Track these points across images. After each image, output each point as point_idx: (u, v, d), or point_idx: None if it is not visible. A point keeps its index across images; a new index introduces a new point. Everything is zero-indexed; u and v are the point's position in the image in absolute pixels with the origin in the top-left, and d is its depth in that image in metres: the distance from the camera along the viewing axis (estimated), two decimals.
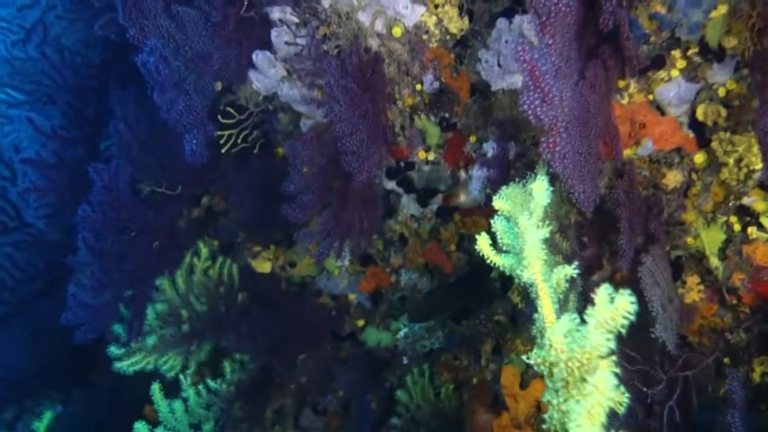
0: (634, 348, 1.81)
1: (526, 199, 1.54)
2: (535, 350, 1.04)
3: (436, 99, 2.00)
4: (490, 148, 1.91)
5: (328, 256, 2.02)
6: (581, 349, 0.92)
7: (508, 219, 1.42)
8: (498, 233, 1.29)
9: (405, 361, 2.27)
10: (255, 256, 2.92)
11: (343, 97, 1.89)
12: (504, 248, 1.29)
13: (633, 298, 0.86)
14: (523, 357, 1.05)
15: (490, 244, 1.23)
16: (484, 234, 1.24)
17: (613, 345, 0.89)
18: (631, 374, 1.80)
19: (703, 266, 1.87)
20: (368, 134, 1.89)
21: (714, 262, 1.82)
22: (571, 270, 1.07)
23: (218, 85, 2.08)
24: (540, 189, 1.16)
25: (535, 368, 1.05)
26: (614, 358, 0.90)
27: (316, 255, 1.99)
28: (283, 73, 2.16)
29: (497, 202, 1.41)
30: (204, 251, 2.48)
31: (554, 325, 0.97)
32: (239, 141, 2.26)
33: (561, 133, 1.28)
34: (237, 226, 2.84)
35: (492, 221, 1.31)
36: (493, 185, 1.80)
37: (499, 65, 1.82)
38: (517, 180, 1.60)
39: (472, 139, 2.03)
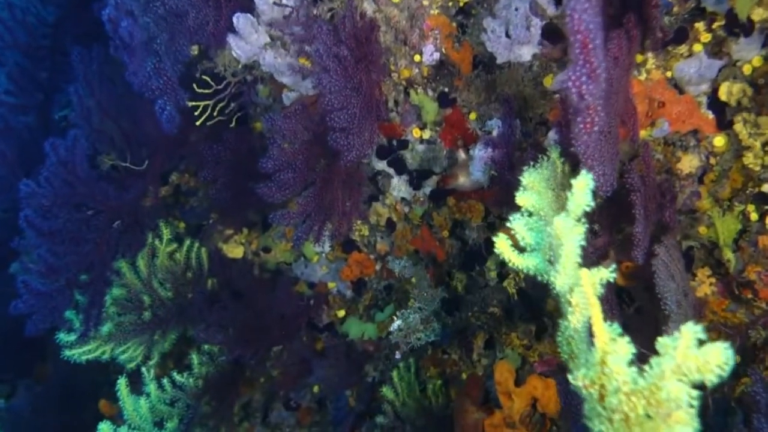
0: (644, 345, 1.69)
1: (552, 189, 1.39)
2: (580, 370, 0.90)
3: (435, 72, 1.83)
4: (494, 126, 1.75)
5: (306, 241, 1.83)
6: (651, 390, 0.79)
7: (530, 213, 1.29)
8: (518, 231, 1.16)
9: (398, 355, 2.10)
10: (226, 240, 2.72)
11: (335, 67, 1.71)
12: (526, 247, 1.16)
13: (729, 352, 0.73)
14: (569, 378, 0.92)
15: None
16: (502, 235, 1.12)
17: (693, 397, 0.76)
18: None
19: (714, 258, 1.76)
20: (360, 109, 1.72)
21: (727, 254, 1.71)
22: (607, 273, 0.94)
23: (194, 49, 1.87)
24: (583, 187, 1.02)
25: (576, 387, 0.91)
26: (694, 407, 0.77)
27: (293, 239, 1.81)
28: (266, 39, 1.96)
29: (521, 198, 1.27)
30: (166, 233, 2.26)
31: (615, 353, 0.84)
32: (215, 113, 2.05)
33: (599, 113, 1.13)
34: (207, 206, 2.63)
35: (511, 219, 1.18)
36: (499, 166, 1.65)
37: (508, 35, 1.66)
38: (529, 163, 1.45)
39: (472, 116, 1.87)
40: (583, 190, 1.02)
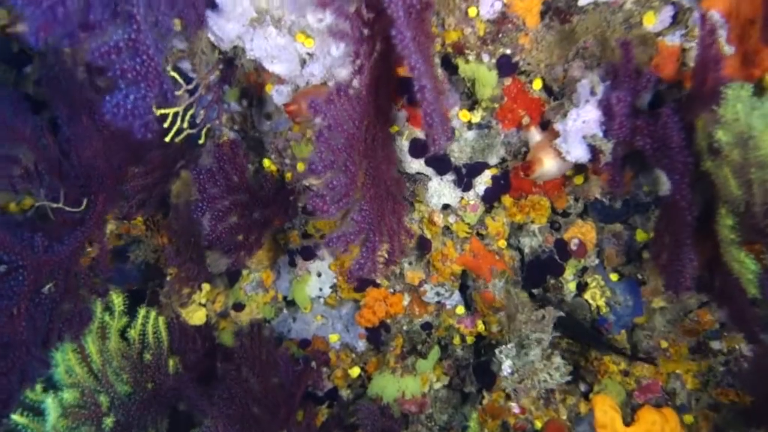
0: None
1: None
2: None
3: (495, 29, 1.40)
4: (584, 89, 1.35)
5: (373, 269, 1.31)
6: None
7: None
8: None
9: (516, 409, 1.59)
10: (183, 302, 2.08)
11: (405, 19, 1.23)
12: None
13: None
14: None
15: None
16: None
17: None
18: None
19: None
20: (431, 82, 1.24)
21: None
22: None
23: (177, 24, 1.31)
24: None
25: None
26: None
27: (354, 269, 1.27)
28: (252, 13, 1.44)
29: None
30: (118, 302, 1.62)
31: None
32: (184, 125, 1.48)
33: None
34: (157, 259, 2.00)
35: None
36: (620, 134, 1.23)
37: None
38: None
39: (537, 84, 1.47)
40: None
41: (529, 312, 1.41)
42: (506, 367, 1.40)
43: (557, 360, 1.39)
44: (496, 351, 1.43)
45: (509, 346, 1.42)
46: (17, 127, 1.30)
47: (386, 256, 1.38)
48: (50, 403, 1.49)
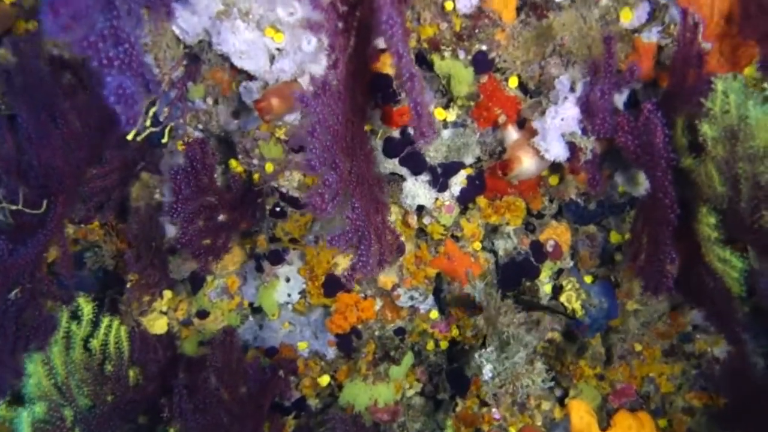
0: None
1: None
2: None
3: (470, 24, 1.37)
4: (561, 86, 1.33)
5: (376, 267, 1.25)
6: None
7: None
8: None
9: (496, 414, 1.54)
10: (144, 311, 1.98)
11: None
12: None
13: None
14: None
15: None
16: None
17: None
18: None
19: None
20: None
21: None
22: None
23: (144, 14, 1.23)
24: None
25: None
26: None
27: (358, 267, 1.21)
28: (218, 6, 1.38)
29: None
30: (87, 310, 1.52)
31: None
32: (147, 123, 1.40)
33: None
34: (115, 265, 1.90)
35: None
36: (600, 131, 1.21)
37: None
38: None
39: (513, 82, 1.44)
40: None
41: (512, 314, 1.37)
42: (487, 371, 1.36)
43: (539, 365, 1.36)
44: (476, 355, 1.39)
45: (489, 349, 1.38)
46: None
47: (378, 256, 1.32)
48: (24, 417, 1.40)
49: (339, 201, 1.14)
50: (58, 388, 1.46)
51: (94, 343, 1.61)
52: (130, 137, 1.34)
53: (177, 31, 1.40)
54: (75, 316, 1.55)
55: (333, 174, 1.11)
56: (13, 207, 1.32)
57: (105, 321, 1.64)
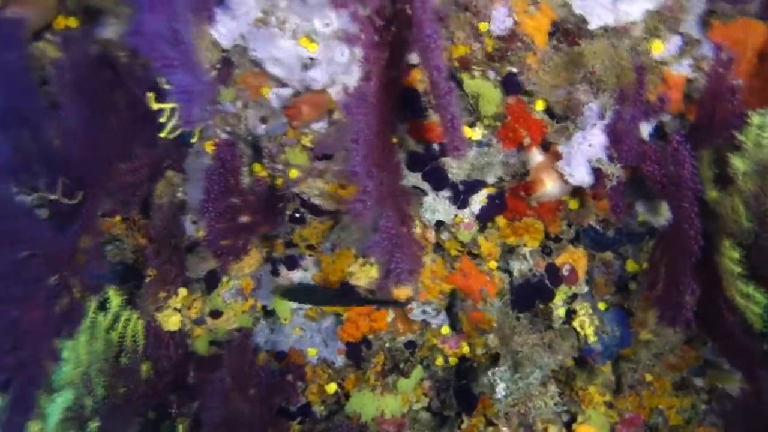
0: None
1: None
2: None
3: (503, 46, 1.39)
4: (591, 112, 1.34)
5: (410, 276, 1.27)
6: None
7: None
8: None
9: None
10: (159, 306, 2.00)
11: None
12: None
13: None
14: None
15: None
16: None
17: None
18: None
19: None
20: None
21: None
22: None
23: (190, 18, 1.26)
24: None
25: None
26: None
27: (393, 274, 1.23)
28: (257, 13, 1.41)
29: None
30: (116, 301, 1.55)
31: None
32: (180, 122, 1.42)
33: None
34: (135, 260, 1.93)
35: None
36: (626, 160, 1.22)
37: None
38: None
39: (539, 105, 1.45)
40: None
41: (527, 334, 1.37)
42: (500, 389, 1.36)
43: (552, 388, 1.36)
44: (489, 372, 1.40)
45: (503, 368, 1.38)
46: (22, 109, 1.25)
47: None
48: (59, 403, 1.42)
49: (377, 209, 1.16)
50: (82, 377, 1.48)
51: (114, 335, 1.63)
52: (163, 135, 1.36)
53: (215, 35, 1.43)
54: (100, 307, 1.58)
55: (371, 182, 1.13)
56: (52, 197, 1.34)
57: (125, 314, 1.66)
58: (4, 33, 1.18)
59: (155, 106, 1.32)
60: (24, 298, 1.25)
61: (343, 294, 1.71)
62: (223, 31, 1.41)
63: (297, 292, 1.82)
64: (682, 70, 1.33)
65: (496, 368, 1.40)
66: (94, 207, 1.39)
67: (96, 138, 1.31)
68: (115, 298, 1.55)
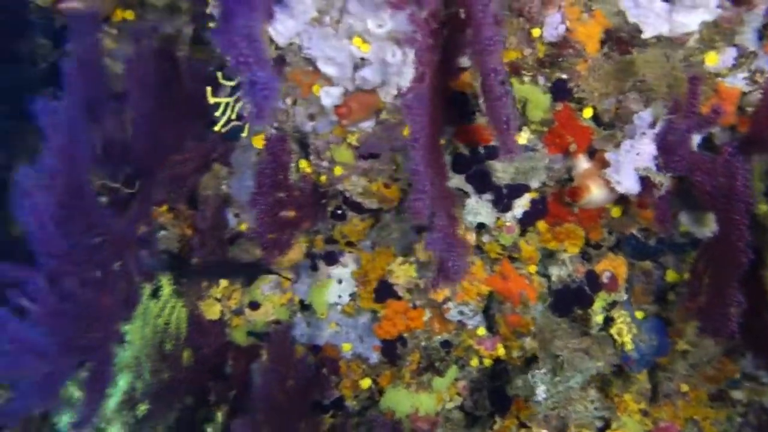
0: None
1: None
2: None
3: (555, 53, 1.40)
4: (641, 121, 1.35)
5: (462, 272, 1.28)
6: None
7: None
8: None
9: None
10: (201, 296, 2.05)
11: None
12: None
13: None
14: None
15: None
16: None
17: None
18: None
19: None
20: None
21: None
22: None
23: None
24: None
25: None
26: None
27: (451, 272, 1.25)
28: (313, 13, 1.44)
29: None
30: (167, 289, 1.61)
31: None
32: (233, 116, 1.47)
33: None
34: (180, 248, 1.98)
35: None
36: (674, 169, 1.22)
37: None
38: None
39: (587, 112, 1.46)
40: None
41: (567, 338, 1.38)
42: (541, 391, 1.38)
43: (593, 392, 1.37)
44: (529, 374, 1.41)
45: (543, 371, 1.39)
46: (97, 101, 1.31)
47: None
48: (122, 385, 1.48)
49: (431, 207, 1.18)
50: (134, 361, 1.54)
51: (160, 321, 1.69)
52: (217, 128, 1.40)
53: (272, 33, 1.46)
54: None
55: (426, 182, 1.15)
56: (114, 185, 1.40)
57: (171, 302, 1.71)
58: (80, 28, 1.22)
59: (212, 100, 1.36)
60: (98, 282, 1.30)
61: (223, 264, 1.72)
62: (281, 29, 1.44)
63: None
64: (736, 82, 1.32)
65: (536, 370, 1.41)
66: (149, 196, 1.44)
67: (156, 130, 1.36)
68: (166, 286, 1.60)
